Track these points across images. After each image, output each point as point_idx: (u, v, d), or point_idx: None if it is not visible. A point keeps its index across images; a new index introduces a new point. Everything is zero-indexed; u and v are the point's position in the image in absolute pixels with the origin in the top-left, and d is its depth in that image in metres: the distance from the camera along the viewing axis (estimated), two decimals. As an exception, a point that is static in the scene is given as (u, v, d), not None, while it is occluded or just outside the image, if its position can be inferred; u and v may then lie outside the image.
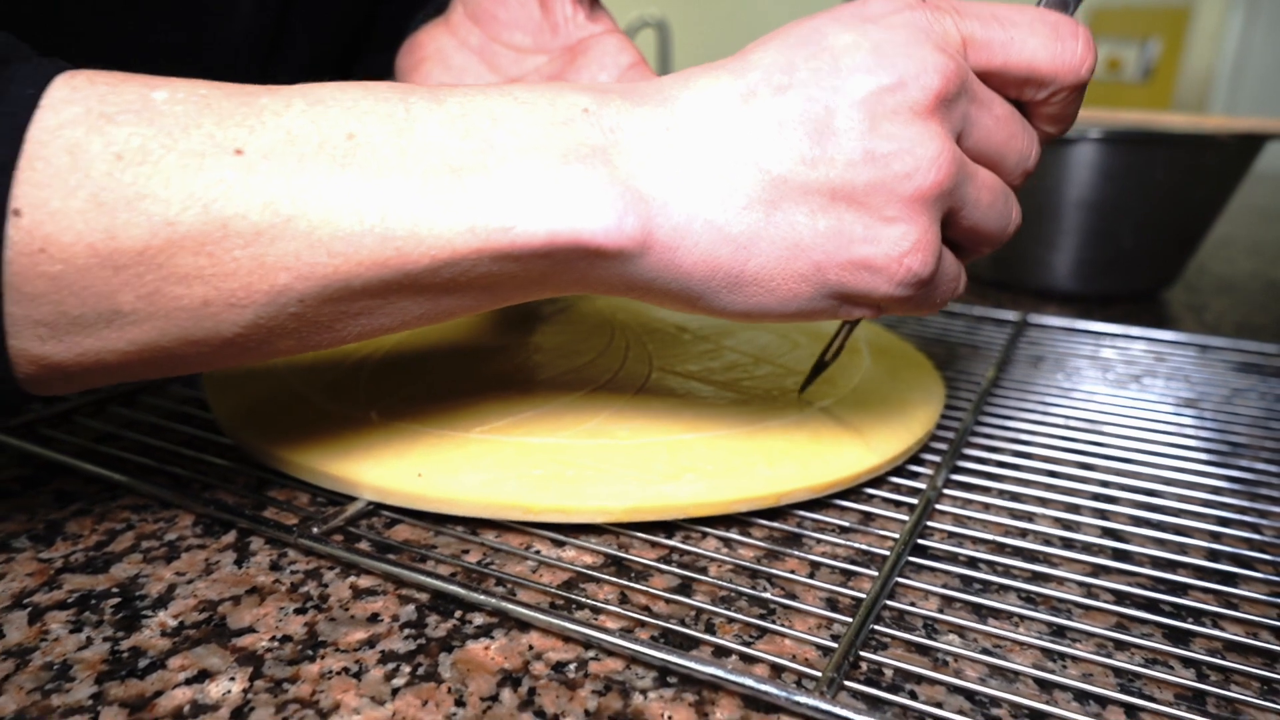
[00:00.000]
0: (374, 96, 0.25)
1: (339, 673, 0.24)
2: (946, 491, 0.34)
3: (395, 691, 0.23)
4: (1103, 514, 0.33)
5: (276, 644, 0.25)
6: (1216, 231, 0.87)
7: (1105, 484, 0.35)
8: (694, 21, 2.88)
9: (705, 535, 0.31)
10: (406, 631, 0.26)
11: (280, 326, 0.25)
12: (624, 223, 0.25)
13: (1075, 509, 0.33)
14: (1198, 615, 0.28)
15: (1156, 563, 0.30)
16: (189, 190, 0.22)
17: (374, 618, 0.26)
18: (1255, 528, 0.33)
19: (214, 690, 0.23)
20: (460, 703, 0.23)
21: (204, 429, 0.37)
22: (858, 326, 0.32)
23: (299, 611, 0.26)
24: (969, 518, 0.33)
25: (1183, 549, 0.31)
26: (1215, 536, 0.32)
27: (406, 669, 0.24)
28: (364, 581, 0.28)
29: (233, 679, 0.24)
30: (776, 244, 0.26)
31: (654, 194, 0.25)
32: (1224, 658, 0.26)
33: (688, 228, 0.25)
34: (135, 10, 0.46)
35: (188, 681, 0.23)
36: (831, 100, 0.25)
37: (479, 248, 0.24)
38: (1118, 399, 0.43)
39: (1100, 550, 0.31)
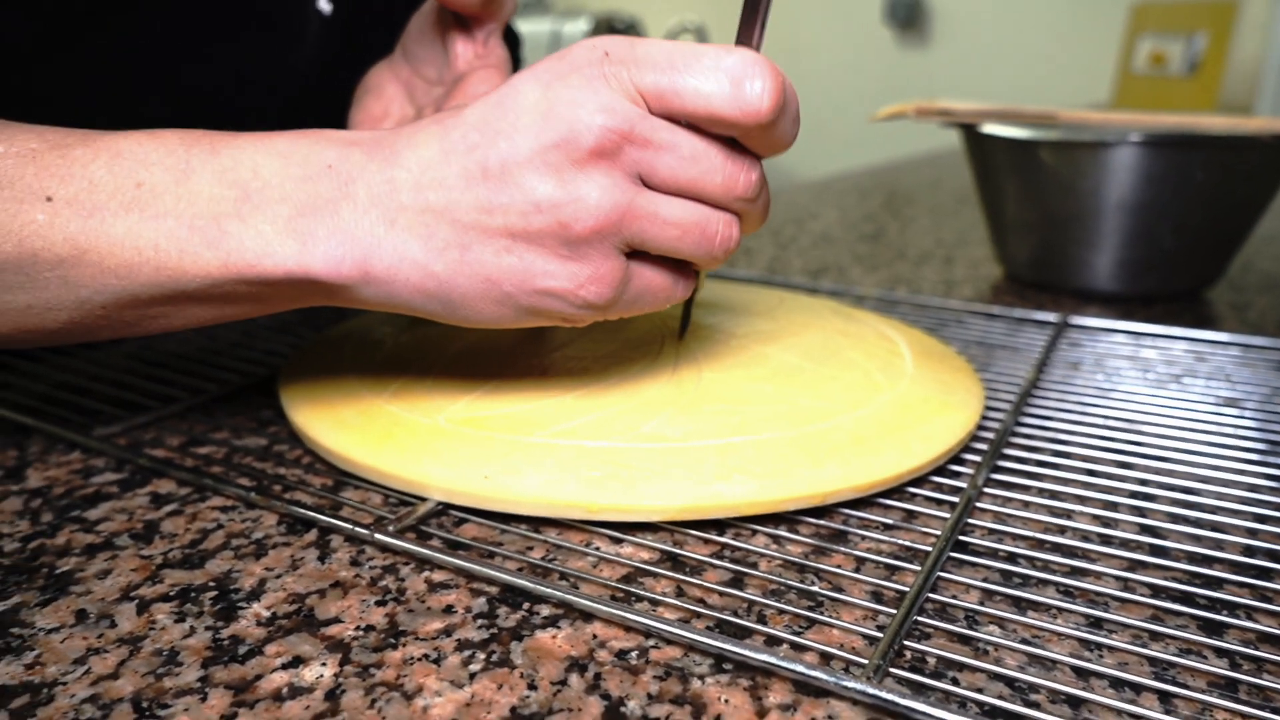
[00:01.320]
0: (164, 149, 0.31)
1: (420, 659, 0.26)
2: (987, 490, 0.35)
3: (472, 676, 0.25)
4: (1141, 511, 0.34)
5: (361, 633, 0.27)
6: (1262, 228, 0.87)
7: (1144, 482, 0.36)
8: (732, 27, 2.89)
9: (755, 532, 0.32)
10: (479, 622, 0.28)
11: (94, 323, 0.32)
12: (342, 264, 0.30)
13: (1113, 506, 0.35)
14: (1232, 608, 0.29)
15: (1193, 558, 0.31)
16: (8, 228, 0.29)
17: (449, 609, 0.28)
18: (1291, 524, 0.33)
19: (308, 674, 0.25)
20: (532, 686, 0.25)
21: (281, 435, 0.40)
22: (697, 292, 0.38)
23: (379, 603, 0.29)
24: (1009, 515, 0.34)
25: (1219, 545, 0.32)
26: (1252, 533, 0.33)
27: (481, 656, 0.26)
28: (437, 576, 0.30)
29: (324, 664, 0.26)
30: (473, 278, 0.31)
31: (370, 238, 0.31)
32: (1257, 648, 0.27)
33: (399, 266, 0.31)
34: (210, 43, 0.49)
35: (284, 666, 0.26)
36: (507, 156, 0.30)
37: (232, 277, 0.31)
38: (1157, 398, 0.44)
39: (1137, 546, 0.32)
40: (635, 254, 0.32)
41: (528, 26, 2.57)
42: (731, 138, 0.31)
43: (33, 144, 0.30)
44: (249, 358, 0.49)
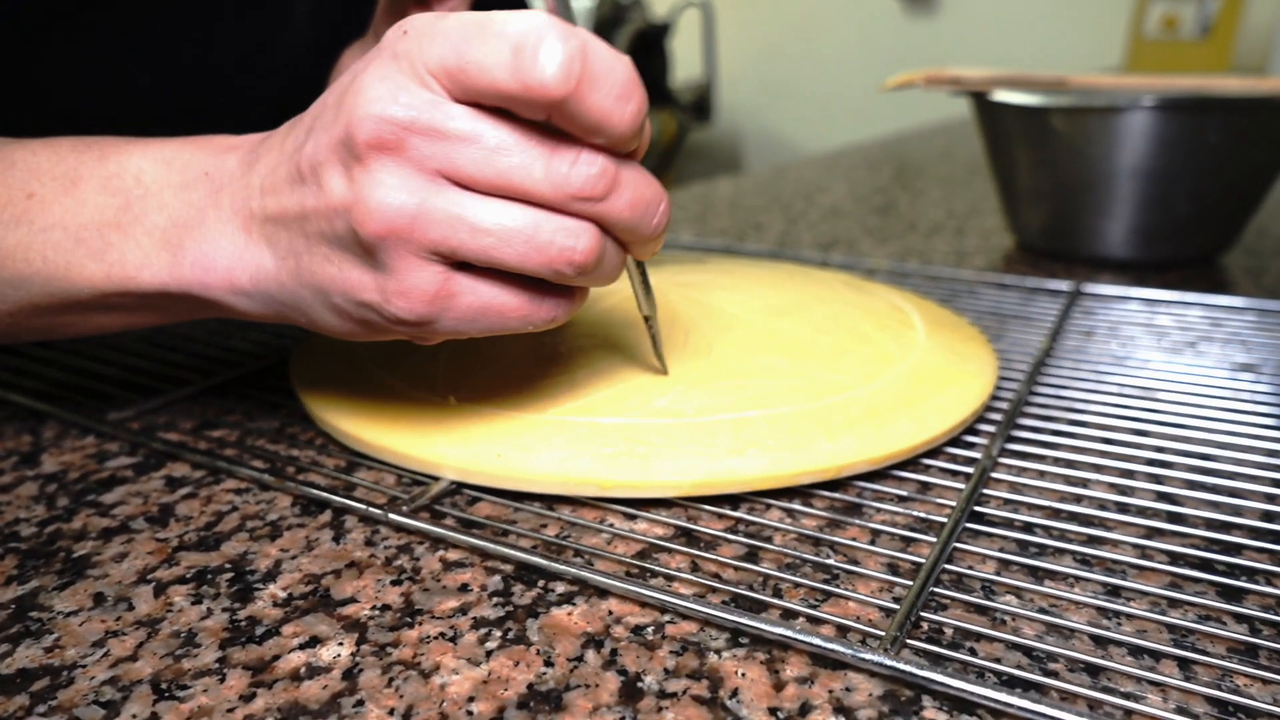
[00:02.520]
0: (55, 157, 0.31)
1: (436, 637, 0.26)
2: (1002, 460, 0.35)
3: (489, 654, 0.25)
4: (1157, 478, 0.34)
5: (377, 612, 0.27)
6: (1277, 192, 0.86)
7: (1160, 449, 0.36)
8: (737, 3, 2.86)
9: (769, 506, 0.32)
10: (495, 600, 0.28)
11: (6, 329, 0.33)
12: (208, 277, 0.30)
13: (1130, 474, 0.34)
14: (1251, 574, 0.28)
15: (1210, 524, 0.31)
16: None
17: (464, 587, 0.28)
18: (1311, 489, 0.33)
19: (325, 654, 0.25)
20: (549, 663, 0.25)
21: (294, 417, 0.40)
22: (646, 272, 0.34)
23: (395, 583, 0.29)
24: (1024, 485, 0.34)
25: (1237, 510, 0.32)
26: (1270, 498, 0.33)
27: (497, 633, 0.26)
28: (452, 555, 0.30)
29: (341, 644, 0.26)
30: (309, 287, 0.29)
31: (232, 249, 0.30)
32: (1276, 613, 0.26)
33: (258, 276, 0.29)
34: (200, 27, 0.48)
35: (301, 646, 0.26)
36: (312, 155, 0.27)
37: (117, 289, 0.31)
38: (1173, 365, 0.44)
39: (1155, 513, 0.32)
40: (472, 266, 0.27)
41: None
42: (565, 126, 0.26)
43: None
44: (260, 340, 0.49)
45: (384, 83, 0.25)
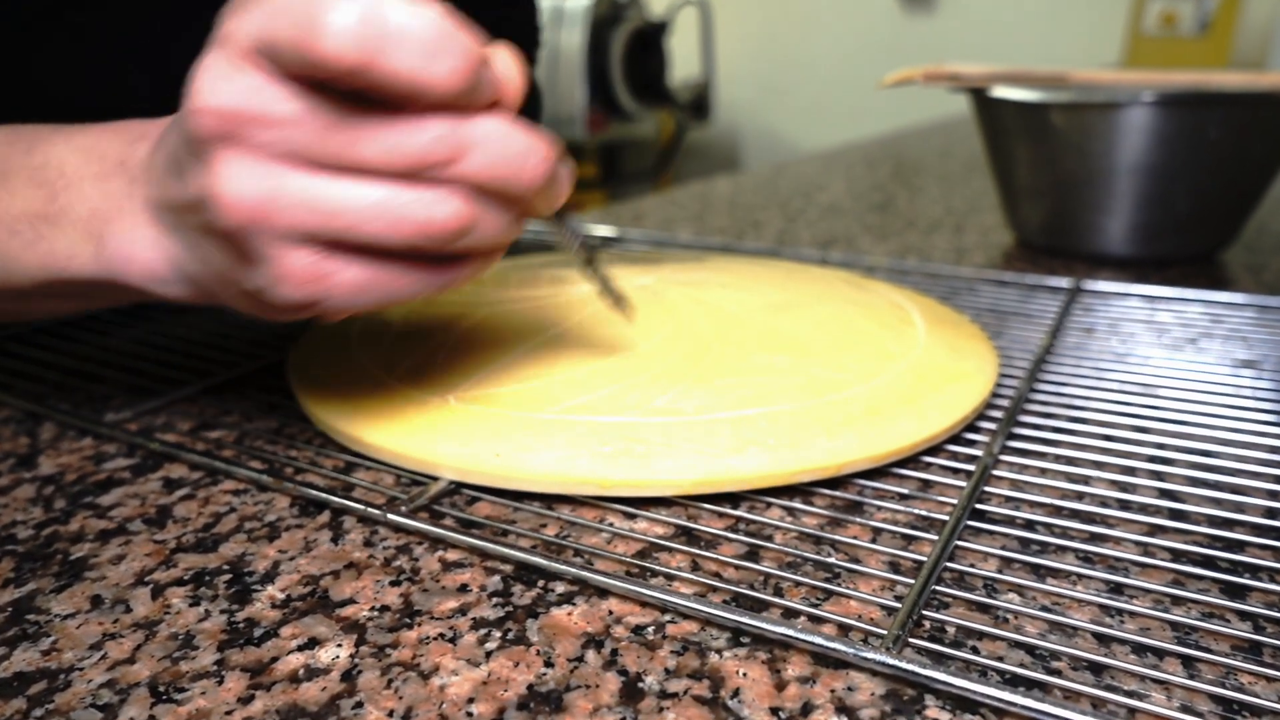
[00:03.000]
0: None
1: (435, 638, 0.26)
2: (1003, 458, 0.35)
3: (488, 654, 0.25)
4: (1159, 475, 0.34)
5: (376, 613, 0.27)
6: (1277, 188, 0.86)
7: (1161, 446, 0.36)
8: (735, 1, 2.86)
9: (770, 505, 0.32)
10: (494, 600, 0.28)
11: None
12: (131, 265, 0.30)
13: (1131, 471, 0.34)
14: (1254, 570, 0.28)
15: (1213, 521, 0.31)
16: None
17: (463, 588, 0.28)
18: (1313, 485, 0.33)
19: (324, 656, 0.25)
20: (549, 664, 0.25)
21: (292, 418, 0.40)
22: (596, 259, 0.35)
23: (394, 584, 0.28)
24: (1026, 482, 0.34)
25: (1240, 507, 0.32)
26: (1273, 494, 0.32)
27: (497, 634, 0.26)
28: (451, 555, 0.30)
29: (340, 645, 0.26)
30: (209, 275, 0.29)
31: (145, 236, 0.30)
32: (1280, 610, 0.26)
33: (171, 263, 0.30)
34: (198, 25, 0.48)
35: (299, 648, 0.26)
36: (175, 147, 0.27)
37: (52, 279, 0.31)
38: (1173, 362, 0.44)
39: (1157, 510, 0.32)
40: (353, 248, 0.27)
41: None
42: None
43: None
44: (258, 340, 0.48)
45: (207, 72, 0.24)
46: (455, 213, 0.26)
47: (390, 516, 0.31)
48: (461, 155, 0.25)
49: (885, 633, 0.25)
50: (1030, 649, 0.25)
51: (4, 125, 0.32)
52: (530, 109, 0.35)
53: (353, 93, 0.24)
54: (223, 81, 0.24)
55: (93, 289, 0.32)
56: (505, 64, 0.27)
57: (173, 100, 0.37)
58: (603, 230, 0.70)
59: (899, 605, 0.26)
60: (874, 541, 0.30)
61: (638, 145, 2.65)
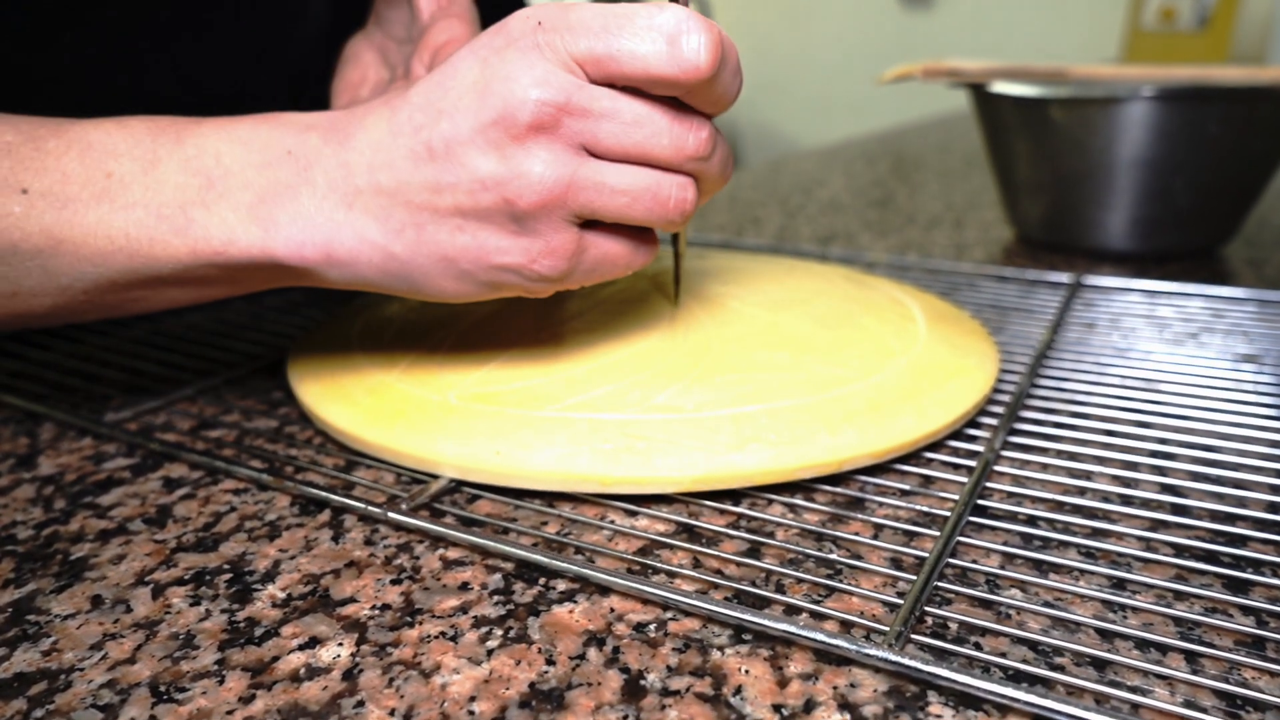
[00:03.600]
0: (132, 139, 0.32)
1: (437, 637, 0.26)
2: (1004, 453, 0.35)
3: (490, 652, 0.25)
4: (1161, 470, 0.34)
5: (377, 612, 0.27)
6: (1278, 182, 0.86)
7: (1163, 441, 0.36)
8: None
9: (771, 502, 0.32)
10: (495, 598, 0.28)
11: (78, 306, 0.33)
12: (304, 248, 0.31)
13: (1133, 466, 0.34)
14: (1257, 565, 0.28)
15: (1215, 516, 0.31)
16: None
17: (464, 586, 0.28)
18: (1315, 479, 0.33)
19: (325, 655, 0.25)
20: (550, 661, 0.25)
21: (292, 417, 0.40)
22: (682, 243, 0.40)
23: (395, 582, 0.28)
24: (1027, 478, 0.33)
25: (1242, 502, 0.32)
26: (1275, 489, 0.32)
27: (499, 632, 0.26)
28: (452, 553, 0.30)
29: (341, 644, 0.26)
30: (431, 257, 0.31)
31: (330, 222, 0.31)
32: (1283, 605, 0.26)
33: (359, 248, 0.31)
34: (208, 22, 0.48)
35: (300, 647, 0.26)
36: (450, 136, 0.29)
37: (202, 262, 0.32)
38: (1175, 357, 0.44)
39: (1159, 505, 0.32)
40: (590, 223, 0.32)
41: None
42: (675, 98, 0.30)
43: (7, 136, 0.31)
44: (257, 340, 0.48)
45: (530, 69, 0.28)
46: (694, 195, 0.31)
47: (391, 515, 0.31)
48: (714, 153, 0.31)
49: (887, 629, 0.25)
50: (1033, 645, 0.25)
51: (147, 116, 0.33)
52: None
53: (639, 94, 0.29)
54: (553, 78, 0.28)
55: (241, 274, 0.33)
56: None
57: (183, 98, 0.37)
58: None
59: (901, 602, 0.26)
60: (876, 538, 0.30)
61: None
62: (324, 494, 0.32)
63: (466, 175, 0.29)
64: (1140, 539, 0.30)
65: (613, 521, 0.31)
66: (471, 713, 0.23)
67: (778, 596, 0.27)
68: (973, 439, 0.36)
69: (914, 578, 0.27)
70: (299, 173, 0.31)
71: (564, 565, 0.28)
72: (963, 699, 0.23)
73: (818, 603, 0.27)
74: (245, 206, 0.31)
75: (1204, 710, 0.23)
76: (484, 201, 0.29)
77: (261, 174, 0.31)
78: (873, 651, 0.24)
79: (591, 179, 0.30)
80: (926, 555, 0.28)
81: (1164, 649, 0.25)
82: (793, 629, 0.25)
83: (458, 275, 0.31)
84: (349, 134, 0.31)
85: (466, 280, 0.32)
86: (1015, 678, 0.24)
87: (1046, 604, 0.27)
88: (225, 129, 0.32)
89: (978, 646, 0.25)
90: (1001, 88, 0.62)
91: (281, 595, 0.28)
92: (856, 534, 0.30)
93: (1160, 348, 0.45)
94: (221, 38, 0.50)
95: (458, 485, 0.33)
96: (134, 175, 0.31)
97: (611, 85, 0.29)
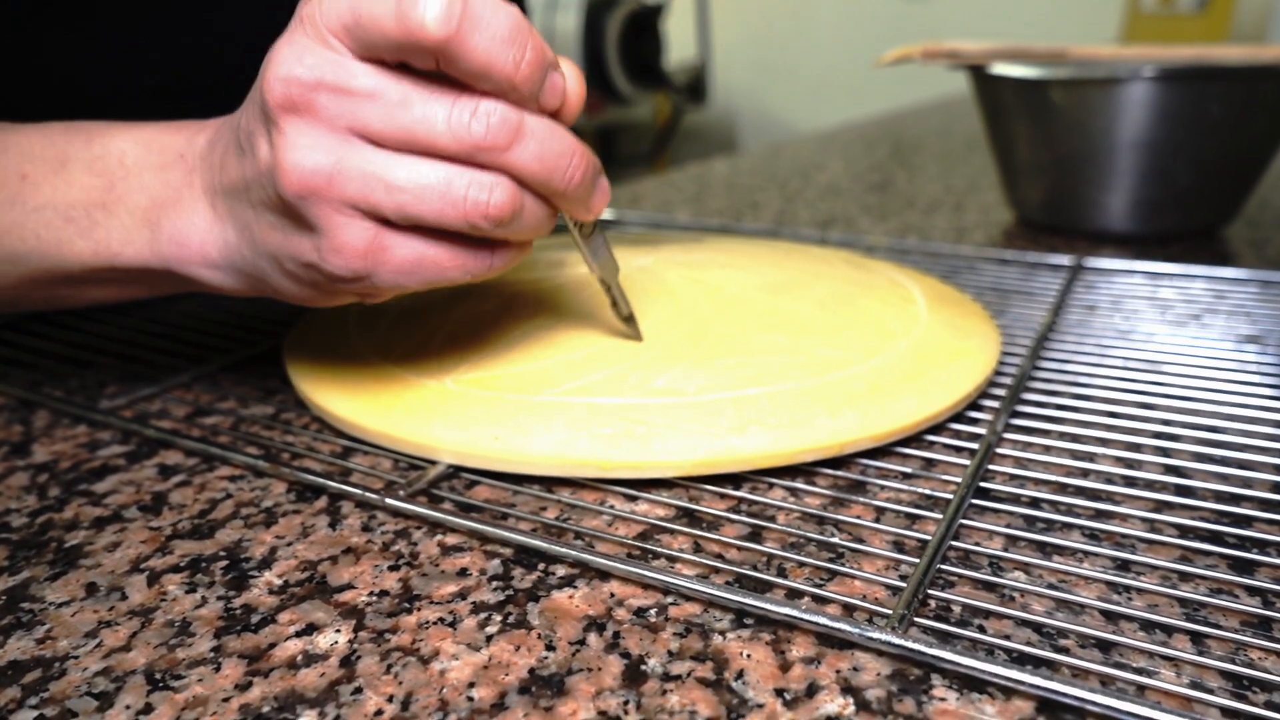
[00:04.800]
0: (46, 140, 0.32)
1: (435, 623, 0.26)
2: (1007, 435, 0.35)
3: (489, 638, 0.25)
4: (1165, 451, 0.34)
5: (375, 598, 0.27)
6: (1279, 163, 0.85)
7: (1166, 422, 0.36)
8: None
9: (772, 485, 0.32)
10: (494, 584, 0.27)
11: (11, 297, 0.35)
12: (185, 252, 0.31)
13: (1137, 448, 0.34)
14: (1262, 546, 0.28)
15: (1220, 497, 0.31)
16: None
17: (463, 572, 0.28)
18: (1320, 460, 0.33)
19: (322, 641, 0.25)
20: (550, 647, 0.25)
21: (288, 403, 0.39)
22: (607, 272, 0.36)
23: (392, 568, 0.28)
24: (1030, 460, 0.33)
25: (1247, 483, 0.31)
26: None
27: (497, 618, 0.26)
28: (450, 539, 0.30)
29: (338, 631, 0.25)
30: (263, 255, 0.30)
31: (204, 224, 0.31)
32: (1289, 586, 0.26)
33: (225, 250, 0.31)
34: (203, 9, 0.48)
35: (297, 634, 0.25)
36: (243, 125, 0.29)
37: (104, 265, 0.32)
38: (1177, 338, 0.43)
39: (1163, 487, 0.31)
40: (406, 227, 0.28)
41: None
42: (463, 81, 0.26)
43: None
44: (253, 326, 0.48)
45: (290, 46, 0.26)
46: (504, 199, 0.27)
47: (388, 501, 0.31)
48: (516, 144, 0.27)
49: (890, 612, 0.24)
50: (1037, 627, 0.25)
51: (71, 121, 0.33)
52: None
53: (423, 77, 0.26)
54: (305, 54, 0.26)
55: (143, 276, 0.33)
56: (572, 79, 0.29)
57: (178, 85, 0.37)
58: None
59: (904, 585, 0.26)
60: (878, 521, 0.30)
61: (634, 129, 2.64)
62: (321, 480, 0.32)
63: (256, 167, 0.28)
64: (1144, 520, 0.29)
65: (612, 506, 0.31)
66: (470, 699, 0.23)
67: (779, 580, 0.27)
68: (975, 421, 0.36)
69: (917, 561, 0.27)
70: (185, 175, 0.31)
71: (563, 550, 0.28)
72: (967, 682, 0.23)
73: (820, 586, 0.27)
74: (140, 210, 0.31)
75: (1210, 691, 0.22)
76: (270, 192, 0.28)
77: (157, 177, 0.31)
78: (876, 635, 0.24)
79: (360, 168, 0.26)
80: (929, 538, 0.28)
81: (1169, 630, 0.25)
82: (795, 613, 0.24)
83: (286, 274, 0.30)
84: (220, 133, 0.31)
85: (295, 280, 0.30)
86: (1020, 660, 0.23)
87: (1050, 586, 0.26)
88: (134, 130, 0.32)
89: (981, 629, 0.25)
90: (1001, 69, 0.62)
91: (278, 582, 0.28)
92: (858, 517, 0.30)
93: (1162, 329, 0.45)
94: (213, 28, 0.49)
95: (456, 471, 0.33)
96: (45, 176, 0.32)
97: (383, 62, 0.26)
